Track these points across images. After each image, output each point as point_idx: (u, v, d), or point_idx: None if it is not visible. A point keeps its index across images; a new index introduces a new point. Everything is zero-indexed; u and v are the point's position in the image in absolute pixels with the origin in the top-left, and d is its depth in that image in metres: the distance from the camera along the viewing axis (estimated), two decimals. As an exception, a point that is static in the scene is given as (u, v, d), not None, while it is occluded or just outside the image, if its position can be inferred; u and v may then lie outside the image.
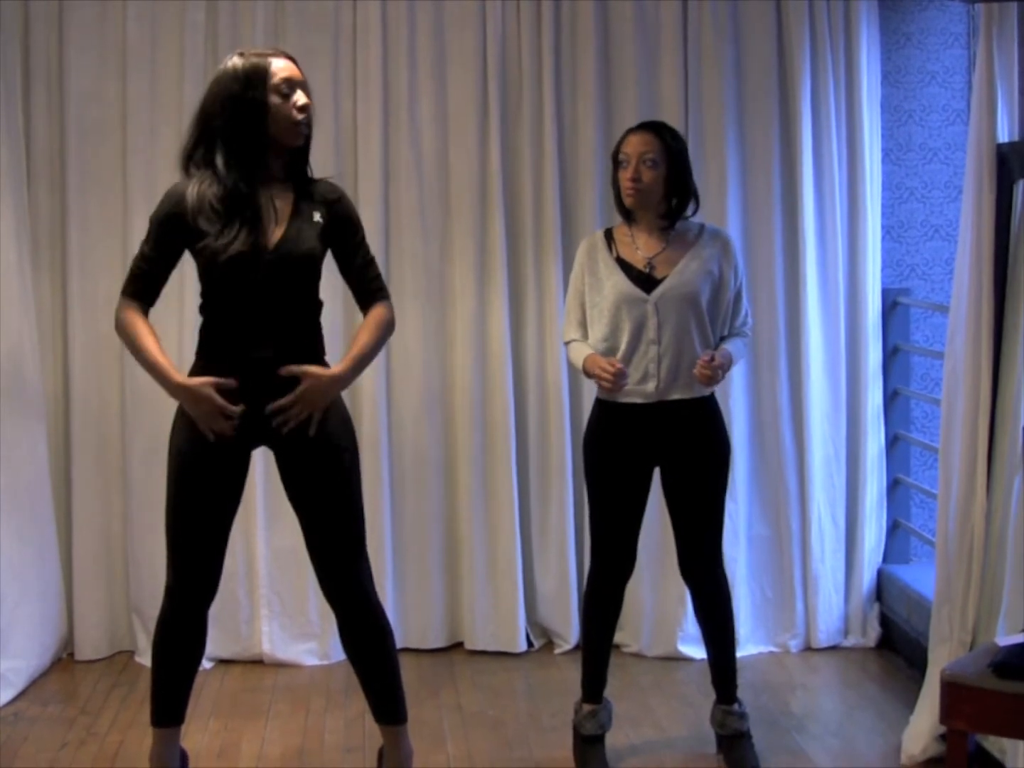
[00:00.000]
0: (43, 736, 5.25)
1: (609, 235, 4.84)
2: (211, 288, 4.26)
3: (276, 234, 4.18)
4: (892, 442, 6.24)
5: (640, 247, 4.76)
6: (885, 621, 6.13)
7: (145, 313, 4.30)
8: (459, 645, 6.23)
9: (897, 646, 6.00)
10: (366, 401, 5.96)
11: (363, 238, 4.39)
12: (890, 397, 6.22)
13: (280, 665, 6.04)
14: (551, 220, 6.04)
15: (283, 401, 4.17)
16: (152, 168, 5.95)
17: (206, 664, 5.99)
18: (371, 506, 5.67)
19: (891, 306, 6.20)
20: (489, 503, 6.11)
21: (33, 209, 5.96)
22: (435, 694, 5.62)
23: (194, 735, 5.18)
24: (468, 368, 6.08)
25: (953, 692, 3.89)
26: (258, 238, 4.13)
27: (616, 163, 4.76)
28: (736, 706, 4.93)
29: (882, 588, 6.17)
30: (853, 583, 6.17)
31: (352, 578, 4.32)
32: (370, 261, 4.40)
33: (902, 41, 6.20)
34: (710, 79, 6.00)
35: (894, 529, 6.26)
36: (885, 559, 6.22)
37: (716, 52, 5.98)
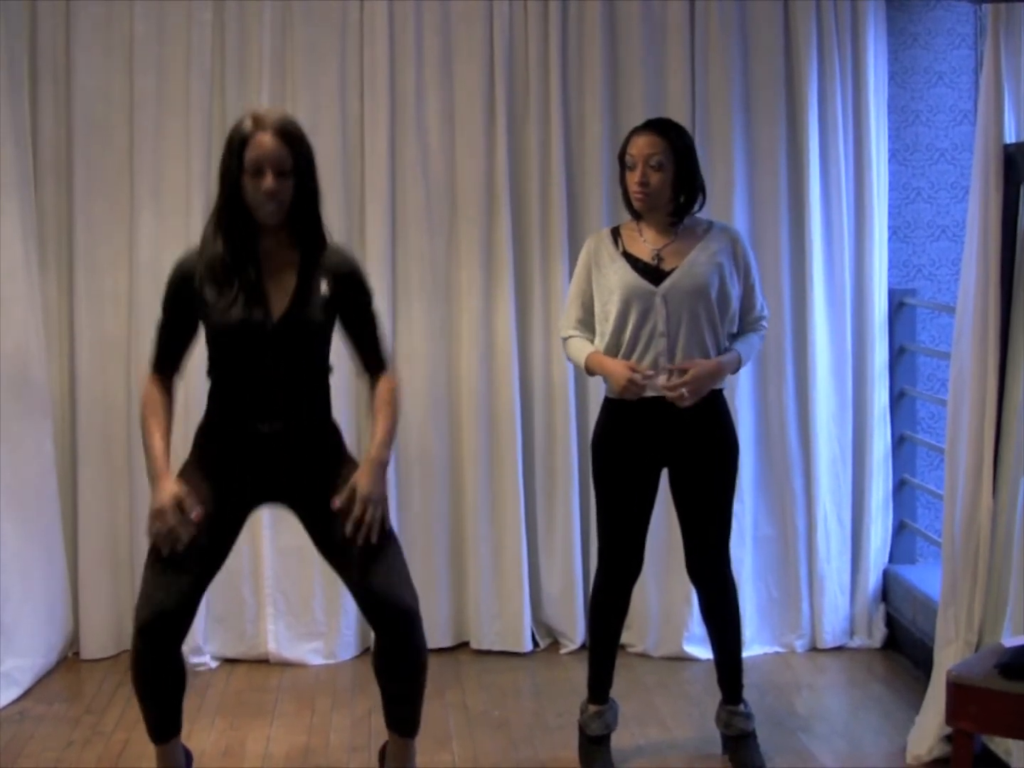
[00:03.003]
0: (48, 735, 5.26)
1: (616, 232, 4.83)
2: (217, 356, 4.23)
3: (281, 305, 4.12)
4: (898, 442, 6.23)
5: (648, 240, 4.75)
6: (891, 622, 6.13)
7: (170, 385, 4.29)
8: (465, 645, 6.23)
9: (903, 647, 6.00)
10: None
11: (373, 310, 4.30)
12: (896, 397, 6.22)
13: (286, 664, 6.04)
14: (558, 217, 6.04)
15: (353, 522, 4.05)
16: (159, 166, 5.96)
17: (211, 663, 6.01)
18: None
19: (897, 306, 6.20)
20: (495, 502, 6.12)
21: (40, 207, 5.96)
22: (441, 693, 5.62)
23: (199, 734, 5.18)
24: (474, 366, 6.08)
25: (959, 693, 3.89)
26: (255, 308, 4.08)
27: (623, 164, 4.74)
28: (742, 706, 4.92)
29: (888, 589, 6.17)
30: (859, 583, 6.17)
31: (402, 605, 4.13)
32: (379, 334, 4.32)
33: (909, 41, 6.20)
34: (717, 78, 6.00)
35: (900, 529, 6.25)
36: (891, 559, 6.22)
37: (723, 51, 5.98)
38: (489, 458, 6.11)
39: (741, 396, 6.00)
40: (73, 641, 6.13)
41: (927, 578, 5.87)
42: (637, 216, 4.79)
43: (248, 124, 4.05)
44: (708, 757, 4.98)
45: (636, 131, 4.75)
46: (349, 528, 4.04)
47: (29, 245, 5.81)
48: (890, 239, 6.17)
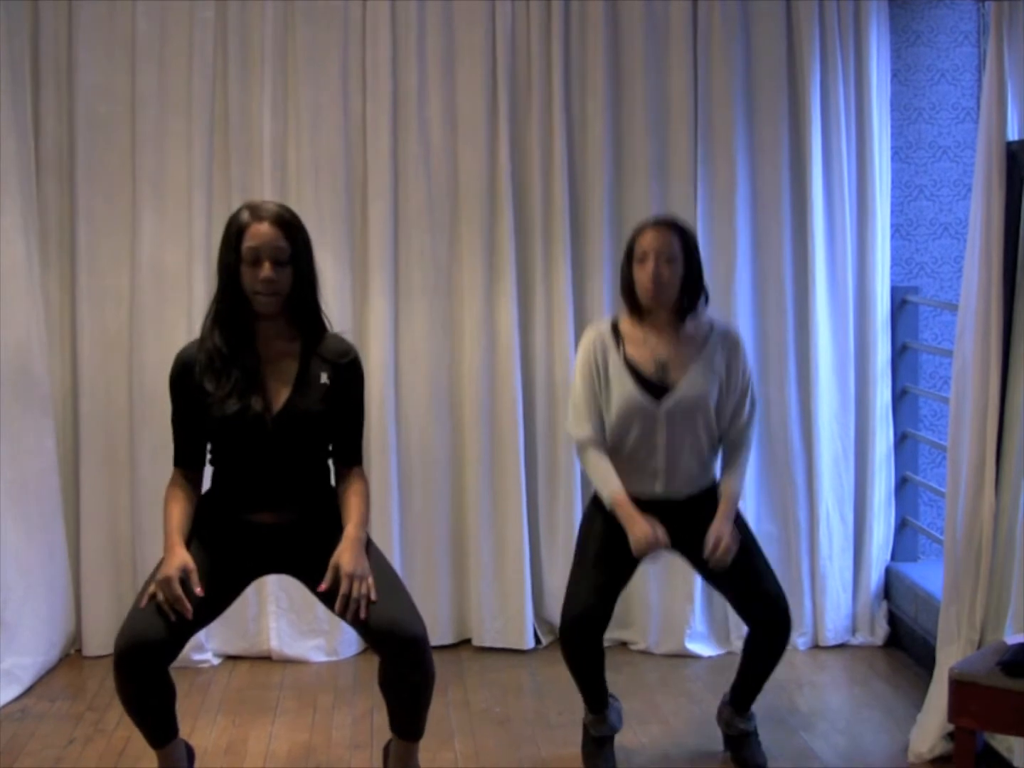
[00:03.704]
0: (50, 732, 5.26)
1: (616, 330, 4.76)
2: (217, 446, 4.25)
3: (281, 396, 4.14)
4: (900, 440, 6.23)
5: (651, 346, 4.70)
6: (893, 619, 6.12)
7: (197, 477, 4.30)
8: (467, 642, 6.23)
9: (905, 644, 6.00)
10: (374, 398, 5.95)
11: (362, 402, 4.33)
12: (899, 395, 6.21)
13: (288, 661, 6.05)
14: (560, 216, 6.04)
15: (341, 602, 4.04)
16: (161, 163, 5.97)
17: (213, 660, 6.01)
18: (378, 503, 5.70)
19: (900, 304, 6.19)
20: (497, 500, 6.12)
21: (41, 204, 5.96)
22: (442, 691, 5.60)
23: (201, 731, 5.18)
24: (476, 364, 6.08)
25: (961, 690, 3.89)
26: (254, 400, 4.09)
27: (630, 257, 4.69)
28: (746, 712, 4.91)
29: (890, 586, 6.17)
30: (861, 581, 6.17)
31: (410, 634, 4.08)
32: (360, 426, 4.35)
33: (912, 39, 6.19)
34: (719, 76, 6.00)
35: (902, 527, 6.26)
36: (893, 557, 6.22)
37: (725, 49, 5.98)
38: (491, 456, 6.11)
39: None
40: (75, 638, 6.13)
41: (929, 576, 5.88)
42: (638, 312, 4.74)
43: (245, 215, 4.09)
44: (710, 754, 4.98)
45: (647, 226, 4.71)
46: (338, 606, 4.06)
47: (31, 242, 5.81)
48: (892, 237, 6.16)
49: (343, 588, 4.04)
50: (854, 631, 6.18)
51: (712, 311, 4.87)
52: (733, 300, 6.01)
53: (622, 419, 4.65)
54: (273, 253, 4.04)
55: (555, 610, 6.18)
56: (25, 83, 5.83)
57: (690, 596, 6.00)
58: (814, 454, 6.08)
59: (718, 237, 6.00)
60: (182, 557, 4.08)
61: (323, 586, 4.08)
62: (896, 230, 6.21)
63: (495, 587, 6.13)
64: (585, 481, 5.97)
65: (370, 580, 4.08)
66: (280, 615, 6.07)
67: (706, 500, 4.72)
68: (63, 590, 6.01)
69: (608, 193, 6.03)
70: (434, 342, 6.09)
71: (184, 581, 4.03)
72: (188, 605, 4.02)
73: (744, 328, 5.92)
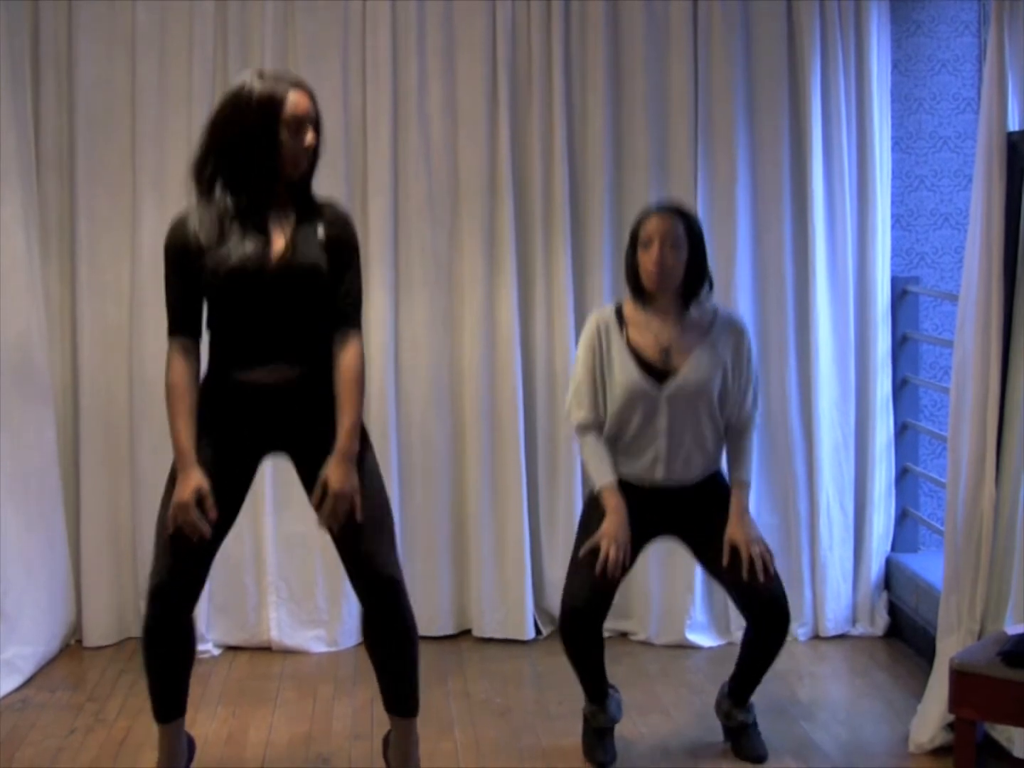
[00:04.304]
0: (51, 722, 5.26)
1: (620, 314, 4.77)
2: (216, 305, 4.23)
3: (278, 248, 4.15)
4: (901, 430, 6.23)
5: (654, 331, 4.71)
6: (893, 610, 6.13)
7: (194, 347, 4.27)
8: (467, 632, 6.24)
9: (905, 635, 6.00)
10: (374, 390, 5.95)
11: (357, 266, 4.31)
12: (899, 385, 6.21)
13: (288, 652, 6.05)
14: (560, 210, 6.04)
15: (326, 516, 4.14)
16: (161, 157, 5.96)
17: (214, 651, 6.02)
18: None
19: (900, 294, 6.19)
20: (497, 491, 6.12)
21: (42, 197, 5.96)
22: (443, 681, 5.62)
23: (202, 722, 5.19)
24: (476, 357, 6.08)
25: (962, 681, 3.89)
26: (256, 251, 4.11)
27: (635, 242, 4.70)
28: (745, 705, 4.92)
29: (890, 577, 6.17)
30: (861, 571, 6.17)
31: (385, 573, 4.22)
32: (355, 290, 4.30)
33: (912, 29, 6.19)
34: (719, 67, 5.99)
35: (902, 517, 6.26)
36: (893, 548, 6.22)
37: (726, 40, 5.97)
38: (491, 448, 6.11)
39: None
40: (75, 629, 6.13)
41: (929, 566, 5.88)
42: (642, 297, 4.75)
43: (276, 82, 4.15)
44: (710, 745, 4.98)
45: (651, 212, 4.72)
46: (322, 520, 4.15)
47: (31, 235, 5.81)
48: (893, 227, 6.16)
49: (327, 506, 4.13)
50: (854, 621, 6.18)
51: (713, 301, 4.88)
52: (734, 291, 6.00)
53: (624, 403, 4.66)
54: (313, 120, 4.17)
55: (556, 601, 6.17)
56: (25, 78, 5.83)
57: (690, 586, 6.01)
58: (814, 444, 6.08)
59: (718, 228, 5.99)
60: (196, 479, 4.12)
61: (313, 500, 4.17)
62: (896, 220, 6.21)
63: (495, 578, 6.13)
64: (586, 473, 5.97)
65: (356, 500, 4.14)
66: (280, 605, 6.07)
67: (708, 487, 4.75)
68: (63, 581, 6.01)
69: (608, 187, 6.03)
70: (434, 335, 6.09)
71: (199, 502, 4.10)
72: (207, 528, 4.11)
73: (745, 319, 5.90)
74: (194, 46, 5.92)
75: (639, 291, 4.73)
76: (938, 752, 4.77)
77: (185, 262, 4.19)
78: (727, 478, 4.82)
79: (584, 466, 4.79)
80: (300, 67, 5.91)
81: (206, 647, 5.97)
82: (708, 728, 5.07)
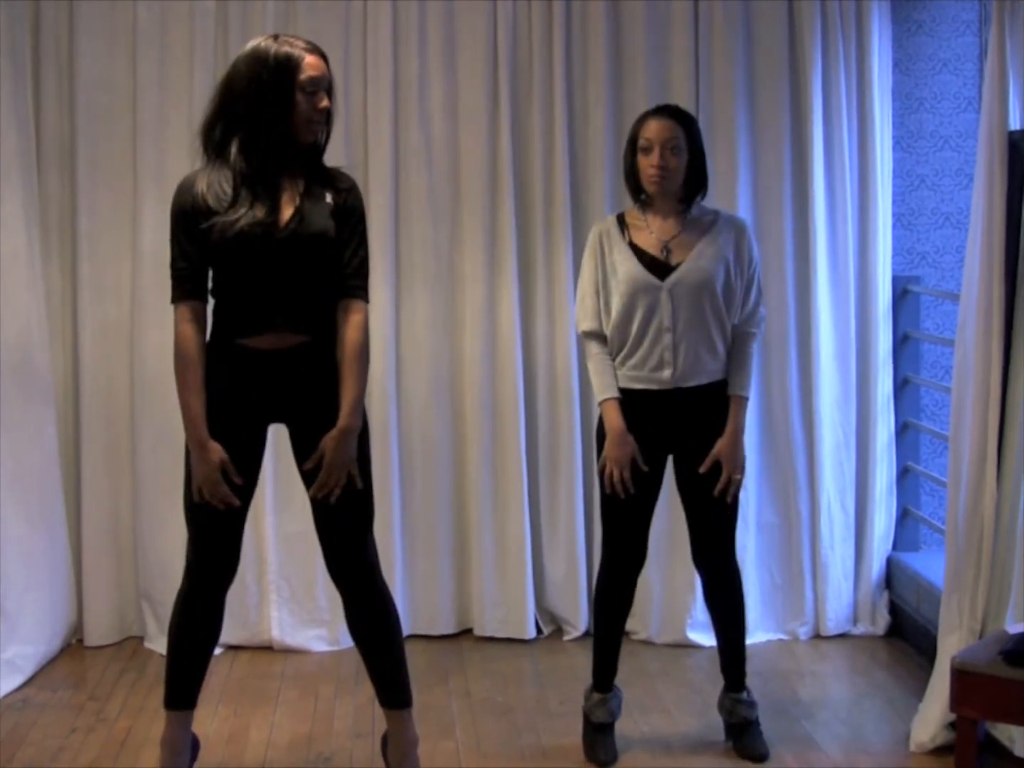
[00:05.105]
0: (52, 722, 5.26)
1: (621, 220, 4.80)
2: (222, 270, 4.23)
3: (287, 213, 4.17)
4: (902, 430, 6.23)
5: (655, 231, 4.73)
6: (894, 609, 6.13)
7: (201, 312, 4.27)
8: (468, 631, 6.23)
9: (906, 634, 6.00)
10: (375, 386, 5.95)
11: (363, 233, 4.34)
12: (900, 385, 6.21)
13: (289, 651, 6.05)
14: (561, 206, 6.04)
15: (317, 485, 4.23)
16: (162, 154, 5.96)
17: (215, 650, 6.00)
18: (380, 492, 5.66)
19: (901, 294, 6.19)
20: (498, 489, 6.12)
21: (43, 195, 5.96)
22: (444, 680, 5.62)
23: (203, 721, 5.17)
24: (477, 353, 6.08)
25: (963, 680, 3.90)
26: (265, 215, 4.12)
27: (633, 147, 4.72)
28: (745, 694, 4.93)
29: (891, 576, 6.17)
30: (862, 571, 6.17)
31: (358, 557, 4.35)
32: (361, 257, 4.33)
33: (913, 28, 6.19)
34: (720, 65, 5.99)
35: (904, 517, 6.26)
36: (895, 547, 6.22)
37: (727, 38, 5.97)
38: (492, 446, 6.11)
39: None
40: (76, 628, 6.13)
41: (931, 565, 5.88)
42: (643, 203, 4.78)
43: (296, 47, 4.16)
44: (711, 744, 4.98)
45: (650, 115, 4.73)
46: (313, 490, 4.23)
47: (32, 232, 5.81)
48: (894, 226, 6.16)
49: (321, 476, 4.21)
50: (855, 621, 6.18)
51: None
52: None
53: (627, 299, 4.67)
54: (328, 83, 4.21)
55: (557, 599, 6.19)
56: (26, 75, 5.83)
57: (691, 586, 6.00)
58: (815, 443, 6.08)
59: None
60: (215, 452, 4.19)
61: (308, 465, 4.24)
62: (897, 220, 6.21)
63: (496, 576, 6.13)
64: (587, 469, 5.97)
65: (353, 472, 4.24)
66: (281, 605, 6.07)
67: (716, 399, 4.74)
68: (64, 580, 6.01)
69: (609, 185, 6.02)
70: (435, 331, 6.09)
71: (224, 474, 4.20)
72: (235, 499, 4.22)
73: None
74: (195, 44, 5.93)
75: (638, 193, 4.77)
76: (939, 751, 4.77)
77: (192, 224, 4.19)
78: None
79: (590, 374, 4.80)
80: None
81: (207, 646, 5.98)
82: (709, 727, 5.08)
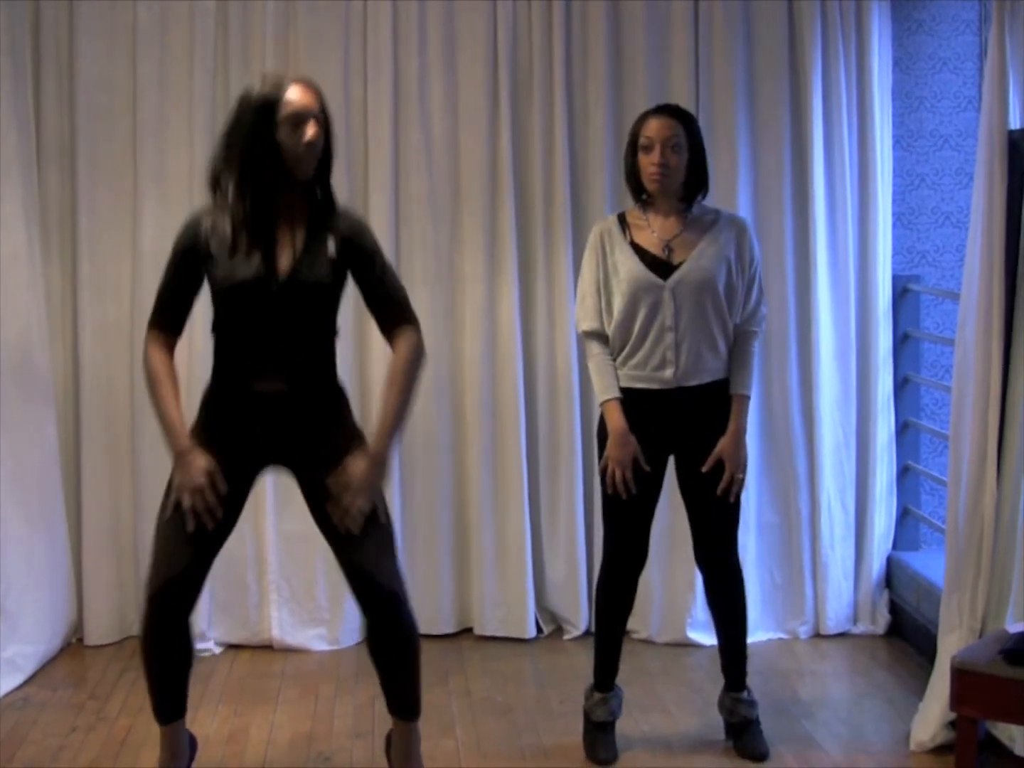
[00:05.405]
0: (52, 721, 5.26)
1: (622, 220, 4.80)
2: (221, 313, 4.23)
3: (286, 264, 4.14)
4: (902, 429, 6.23)
5: (656, 230, 4.73)
6: (894, 608, 6.13)
7: (172, 344, 4.29)
8: (468, 631, 6.24)
9: (906, 633, 6.00)
10: (375, 386, 5.95)
11: (383, 269, 4.30)
12: (900, 384, 6.21)
13: (289, 650, 6.05)
14: (561, 205, 6.04)
15: (342, 510, 4.12)
16: (162, 154, 5.97)
17: (215, 649, 6.02)
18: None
19: (901, 293, 6.19)
20: (498, 489, 6.12)
21: (43, 194, 5.96)
22: (444, 680, 5.62)
23: (203, 720, 5.19)
24: (477, 353, 6.08)
25: (963, 679, 3.90)
26: (263, 265, 4.09)
27: (634, 147, 4.71)
28: (745, 694, 4.93)
29: (891, 575, 6.17)
30: (862, 570, 6.17)
31: (386, 587, 4.18)
32: (391, 289, 4.31)
33: (913, 27, 6.19)
34: (721, 64, 5.99)
35: (904, 516, 6.26)
36: (895, 546, 6.22)
37: (727, 37, 5.97)
38: (493, 445, 6.11)
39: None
40: (77, 627, 6.14)
41: (931, 565, 5.88)
42: (643, 202, 4.78)
43: (275, 83, 4.13)
44: (711, 744, 4.98)
45: (651, 114, 4.73)
46: (335, 515, 4.12)
47: (32, 232, 5.81)
48: (894, 225, 6.16)
49: (344, 501, 4.11)
50: (855, 620, 6.18)
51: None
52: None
53: (629, 299, 4.66)
54: (314, 115, 4.11)
55: (557, 599, 6.19)
56: (26, 73, 5.83)
57: (692, 585, 6.00)
58: (815, 443, 6.08)
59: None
60: (202, 460, 4.14)
61: (330, 489, 4.13)
62: (898, 219, 6.21)
63: (496, 576, 6.13)
64: (588, 468, 5.97)
65: (377, 501, 4.15)
66: (281, 604, 6.07)
67: (717, 398, 4.74)
68: (65, 579, 6.02)
69: (609, 183, 6.02)
70: (436, 330, 6.08)
71: (212, 485, 4.13)
72: (219, 511, 4.12)
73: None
74: (195, 43, 5.93)
75: (640, 193, 4.77)
76: (939, 750, 4.78)
77: (191, 264, 4.20)
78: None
79: (591, 374, 4.80)
80: (301, 64, 5.91)
81: (207, 645, 5.98)
82: (709, 726, 5.08)
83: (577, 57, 6.05)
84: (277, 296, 4.12)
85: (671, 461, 4.84)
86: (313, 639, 6.09)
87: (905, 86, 6.20)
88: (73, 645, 6.11)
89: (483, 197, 6.05)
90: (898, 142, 6.19)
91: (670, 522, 5.78)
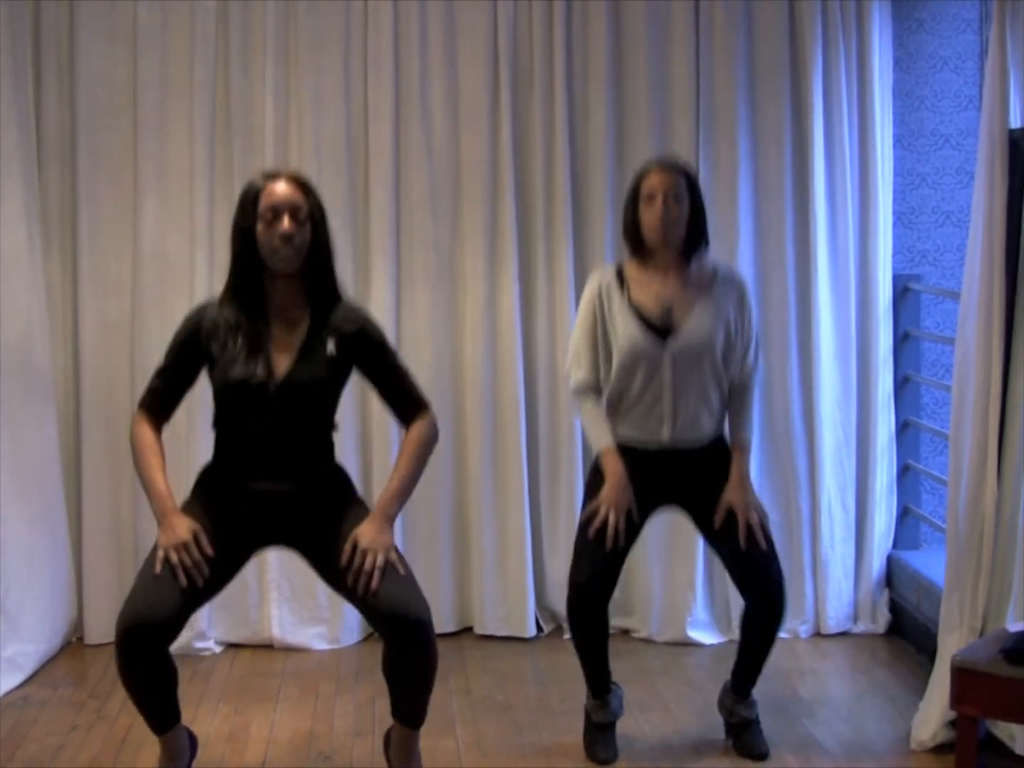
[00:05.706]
0: (53, 719, 5.26)
1: (620, 275, 4.75)
2: (220, 411, 4.25)
3: (284, 365, 4.13)
4: (902, 428, 6.23)
5: (655, 288, 4.70)
6: (895, 607, 6.13)
7: (159, 426, 4.29)
8: (468, 630, 6.24)
9: (906, 632, 6.00)
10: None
11: (391, 359, 4.31)
12: (901, 383, 6.21)
13: (289, 649, 6.05)
14: (562, 203, 6.04)
15: (351, 577, 4.09)
16: (163, 151, 5.97)
17: (215, 648, 6.01)
18: (379, 491, 5.69)
19: (902, 292, 6.19)
20: (498, 488, 6.12)
21: (43, 191, 5.96)
22: (444, 679, 5.59)
23: (203, 719, 5.19)
24: (478, 351, 6.08)
25: (963, 678, 3.89)
26: (259, 367, 4.09)
27: (635, 198, 4.68)
28: (748, 698, 4.92)
29: (892, 574, 6.17)
30: (863, 569, 6.17)
31: (415, 618, 4.07)
32: (403, 382, 4.33)
33: (914, 27, 6.19)
34: (721, 63, 5.99)
35: (904, 515, 6.26)
36: (895, 545, 6.22)
37: (727, 36, 5.97)
38: (493, 444, 6.11)
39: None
40: (77, 626, 6.13)
41: (931, 564, 5.88)
42: (642, 254, 4.73)
43: (259, 179, 4.14)
44: (711, 742, 4.97)
45: (651, 167, 4.70)
46: (351, 579, 4.09)
47: (33, 229, 5.81)
48: (895, 225, 6.16)
49: (357, 562, 4.08)
50: (856, 619, 6.18)
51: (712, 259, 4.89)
52: (735, 288, 6.01)
53: (627, 362, 4.65)
54: (291, 208, 4.07)
55: (557, 598, 6.19)
56: (27, 72, 5.83)
57: (692, 584, 6.01)
58: (816, 442, 6.08)
59: (720, 224, 5.96)
60: (188, 521, 4.11)
61: (342, 562, 4.10)
62: (898, 218, 6.21)
63: (497, 575, 6.13)
64: (587, 469, 5.96)
65: (391, 556, 4.12)
66: (282, 603, 6.07)
67: (715, 453, 4.73)
68: (65, 578, 6.01)
69: (610, 182, 6.03)
70: (436, 329, 6.09)
71: (197, 543, 4.08)
72: (205, 568, 4.07)
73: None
74: (196, 38, 5.92)
75: (639, 247, 4.73)
76: (940, 749, 4.77)
77: (187, 355, 4.23)
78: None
79: (583, 431, 4.79)
80: (301, 62, 5.92)
81: (207, 644, 5.98)
82: (710, 725, 5.07)
83: (578, 55, 6.05)
84: (274, 398, 4.12)
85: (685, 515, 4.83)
86: (313, 638, 6.09)
87: (906, 85, 6.20)
88: (73, 644, 6.10)
89: (484, 195, 6.05)
90: (899, 141, 6.19)
91: (669, 521, 5.77)
